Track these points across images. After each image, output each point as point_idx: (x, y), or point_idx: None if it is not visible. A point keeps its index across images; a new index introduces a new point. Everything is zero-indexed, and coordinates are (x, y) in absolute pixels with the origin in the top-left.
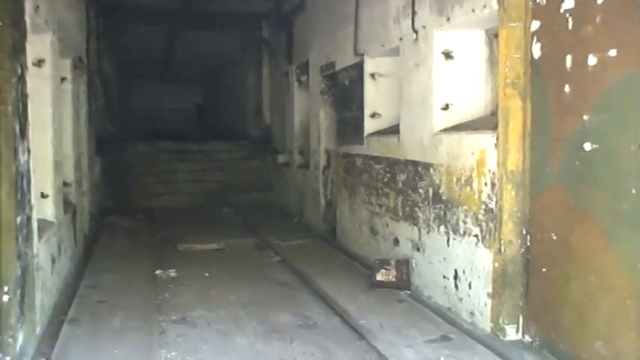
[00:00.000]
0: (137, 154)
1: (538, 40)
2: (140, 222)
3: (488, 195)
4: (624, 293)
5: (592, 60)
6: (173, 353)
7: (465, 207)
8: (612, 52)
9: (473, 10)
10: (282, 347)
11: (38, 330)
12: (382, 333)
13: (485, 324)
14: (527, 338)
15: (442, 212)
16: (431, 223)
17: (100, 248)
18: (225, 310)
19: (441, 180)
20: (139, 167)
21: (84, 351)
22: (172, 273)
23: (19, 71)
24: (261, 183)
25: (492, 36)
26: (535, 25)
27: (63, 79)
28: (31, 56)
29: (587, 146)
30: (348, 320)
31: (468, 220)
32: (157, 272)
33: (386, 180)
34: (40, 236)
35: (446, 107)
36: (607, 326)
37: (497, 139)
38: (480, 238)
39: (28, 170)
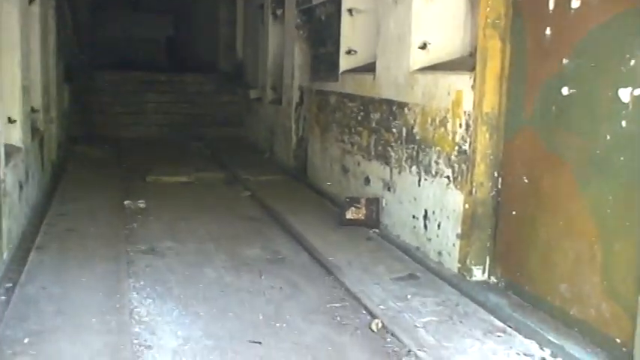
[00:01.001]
0: (106, 83)
1: None
2: (108, 152)
3: (462, 136)
4: (592, 238)
5: (575, 3)
6: (142, 282)
7: (438, 148)
8: None
9: None
10: (250, 280)
11: (5, 256)
12: (350, 269)
13: (452, 264)
14: (493, 279)
15: (415, 152)
16: (403, 163)
17: (68, 177)
18: (193, 243)
19: (415, 120)
20: (108, 97)
21: (51, 277)
22: (141, 204)
23: None
24: (231, 118)
25: None
26: None
27: (31, 1)
28: None
29: (565, 90)
30: (317, 256)
31: (441, 161)
32: (126, 203)
33: (359, 118)
34: (7, 161)
35: (423, 46)
36: (572, 269)
37: (475, 80)
38: (451, 179)
39: None
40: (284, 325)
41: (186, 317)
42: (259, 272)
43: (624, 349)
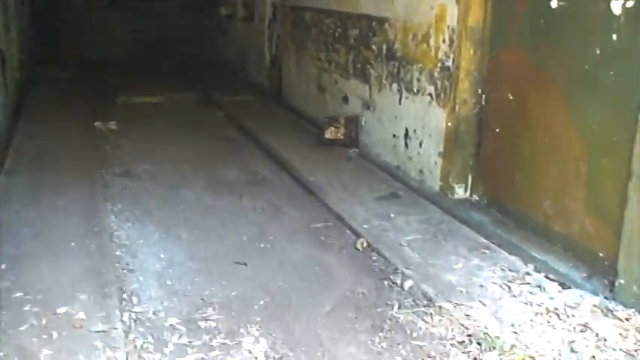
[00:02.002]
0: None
1: None
2: (75, 73)
3: (446, 52)
4: (578, 154)
5: None
6: (119, 206)
7: (420, 65)
8: None
9: None
10: (231, 202)
11: None
12: (332, 189)
13: (434, 183)
14: (475, 197)
15: (395, 70)
16: (383, 80)
17: (34, 99)
18: (170, 165)
19: (396, 36)
20: (72, 14)
21: (24, 201)
22: (112, 125)
23: None
24: (201, 36)
25: None
26: None
27: None
28: None
29: (554, 3)
30: (297, 177)
31: (423, 78)
32: (97, 124)
33: (337, 35)
34: None
35: None
36: (557, 186)
37: None
38: (433, 96)
39: None
40: (268, 245)
41: (168, 240)
42: (240, 194)
43: (606, 263)
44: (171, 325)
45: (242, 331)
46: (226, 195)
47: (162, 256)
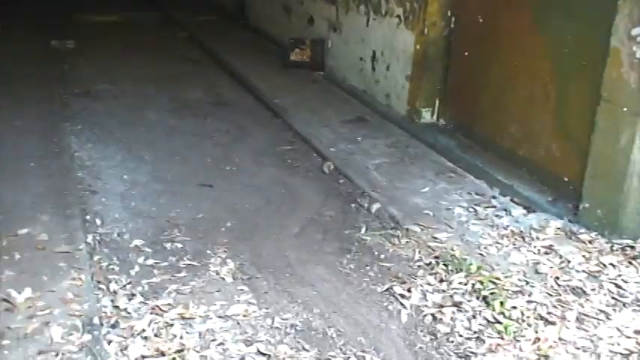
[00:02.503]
0: None
1: None
2: None
3: None
4: (547, 78)
5: None
6: (79, 126)
7: None
8: None
9: None
10: (195, 123)
11: None
12: (297, 112)
13: (401, 107)
14: (442, 122)
15: None
16: (350, 2)
17: None
18: (131, 85)
19: None
20: None
21: None
22: (70, 44)
23: None
24: None
25: None
26: None
27: None
28: None
29: None
30: (262, 99)
31: None
32: (53, 43)
33: None
34: None
35: None
36: (524, 110)
37: None
38: (402, 18)
39: None
40: (234, 168)
41: (131, 161)
42: (204, 115)
43: (571, 187)
44: (136, 246)
45: (209, 252)
46: (190, 116)
47: (125, 177)
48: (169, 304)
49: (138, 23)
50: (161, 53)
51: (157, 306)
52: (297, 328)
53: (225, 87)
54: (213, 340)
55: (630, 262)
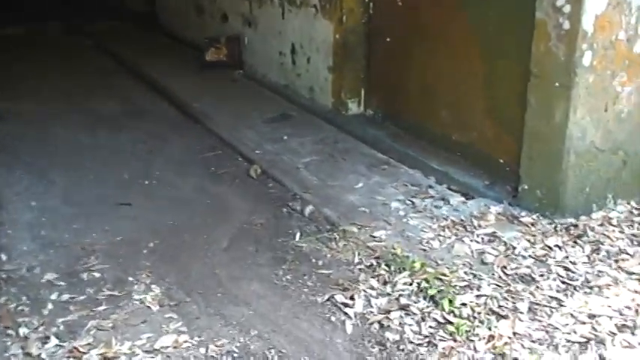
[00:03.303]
0: None
1: None
2: None
3: None
4: (474, 60)
5: None
6: None
7: None
8: None
9: None
10: (109, 137)
11: None
12: (218, 115)
13: (326, 100)
14: (370, 112)
15: None
16: None
17: None
18: (38, 103)
19: None
20: None
21: None
22: None
23: None
24: None
25: None
26: None
27: None
28: None
29: None
30: (180, 105)
31: None
32: None
33: None
34: None
35: None
36: (453, 94)
37: None
38: (318, 8)
39: None
40: (154, 182)
41: (39, 185)
42: (119, 128)
43: (508, 169)
44: (48, 281)
45: (131, 279)
46: (104, 131)
47: (33, 204)
48: (89, 344)
49: (42, 35)
50: (69, 65)
51: (75, 347)
52: (234, 354)
53: (140, 96)
54: None
55: (575, 242)
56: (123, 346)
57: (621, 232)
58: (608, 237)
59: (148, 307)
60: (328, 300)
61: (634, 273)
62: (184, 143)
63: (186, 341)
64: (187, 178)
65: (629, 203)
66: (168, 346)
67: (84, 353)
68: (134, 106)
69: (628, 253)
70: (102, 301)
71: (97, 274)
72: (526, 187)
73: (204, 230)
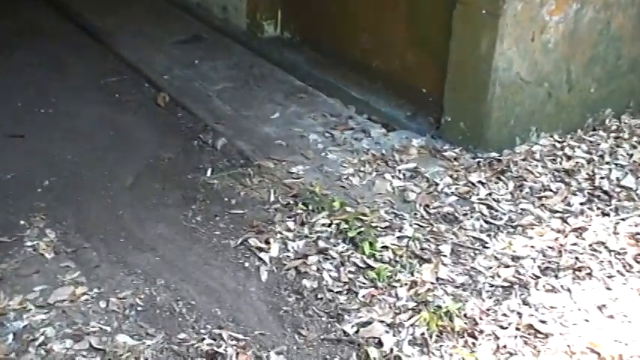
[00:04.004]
0: None
1: None
2: None
3: None
4: None
5: None
6: None
7: None
8: None
9: None
10: None
11: None
12: (123, 36)
13: (240, 21)
14: (287, 35)
15: None
16: None
17: None
18: None
19: None
20: None
21: None
22: None
23: None
24: None
25: None
26: None
27: None
28: None
29: None
30: (81, 23)
31: None
32: None
33: None
34: None
35: None
36: (374, 18)
37: None
38: None
39: None
40: (50, 110)
41: None
42: (10, 48)
43: (431, 99)
44: None
45: (22, 223)
46: None
47: None
48: None
49: None
50: None
51: None
52: (138, 308)
53: (35, 11)
54: (32, 341)
55: (499, 178)
56: (12, 301)
57: (544, 166)
58: (532, 172)
59: (42, 254)
60: (242, 244)
61: (557, 211)
62: (85, 66)
63: (84, 293)
64: (88, 105)
65: (552, 136)
66: (64, 300)
67: None
68: (30, 23)
69: (551, 190)
70: None
71: None
72: (449, 119)
73: (105, 166)
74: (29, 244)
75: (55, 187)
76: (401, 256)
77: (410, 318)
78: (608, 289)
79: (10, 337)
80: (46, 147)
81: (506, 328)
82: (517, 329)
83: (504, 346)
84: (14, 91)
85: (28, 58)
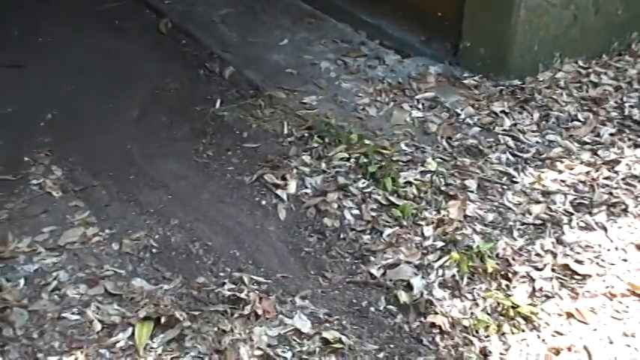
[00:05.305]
0: None
1: None
2: None
3: None
4: None
5: None
6: None
7: None
8: None
9: None
10: None
11: None
12: None
13: None
14: None
15: None
16: None
17: None
18: None
19: None
20: None
21: None
22: None
23: None
24: None
25: None
26: None
27: None
28: None
29: None
30: None
31: None
32: None
33: None
34: None
35: None
36: None
37: None
38: None
39: None
40: (48, 39)
41: None
42: None
43: (447, 23)
44: None
45: (27, 159)
46: None
47: None
48: None
49: None
50: None
51: None
52: (153, 250)
53: None
54: (45, 286)
55: (523, 107)
56: (21, 243)
57: (569, 95)
58: (557, 101)
59: (49, 193)
60: (257, 180)
61: (586, 142)
62: None
63: (95, 234)
64: (87, 33)
65: (576, 62)
66: (74, 242)
67: None
68: None
69: (578, 120)
70: None
71: None
72: (468, 44)
73: (109, 97)
74: (35, 182)
75: (57, 121)
76: (425, 192)
77: (439, 259)
78: None
79: (22, 281)
80: (45, 78)
81: (541, 269)
82: (552, 270)
83: (540, 289)
84: (9, 20)
85: None
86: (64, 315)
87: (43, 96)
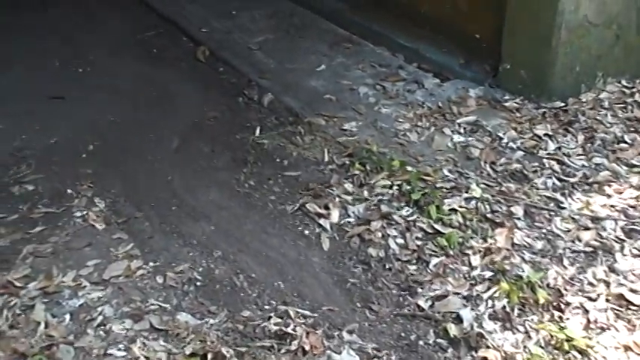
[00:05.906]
0: None
1: None
2: None
3: None
4: None
5: None
6: None
7: None
8: None
9: None
10: (33, 17)
11: None
12: None
13: None
14: None
15: None
16: None
17: None
18: None
19: None
20: None
21: None
22: None
23: None
24: None
25: None
26: None
27: None
28: None
29: None
30: None
31: None
32: None
33: None
34: None
35: None
36: None
37: None
38: None
39: None
40: (88, 68)
41: None
42: (43, 5)
43: (485, 45)
44: None
45: (70, 191)
46: (24, 9)
47: None
48: (26, 276)
49: None
50: None
51: (10, 281)
52: (197, 283)
53: None
54: (90, 321)
55: (567, 130)
56: (66, 277)
57: (614, 115)
58: (602, 123)
59: (92, 225)
60: (299, 209)
61: (634, 165)
62: (120, 21)
63: (139, 268)
64: (126, 62)
65: (619, 82)
66: (119, 275)
67: (20, 288)
68: None
69: (625, 142)
70: (37, 221)
71: (29, 187)
72: (508, 66)
73: (150, 127)
74: (78, 214)
75: (99, 152)
76: (471, 220)
77: (488, 289)
78: None
79: (67, 317)
80: (86, 109)
81: (595, 299)
82: (607, 300)
83: (595, 321)
84: (51, 49)
85: (62, 16)
86: (110, 352)
87: (84, 126)
